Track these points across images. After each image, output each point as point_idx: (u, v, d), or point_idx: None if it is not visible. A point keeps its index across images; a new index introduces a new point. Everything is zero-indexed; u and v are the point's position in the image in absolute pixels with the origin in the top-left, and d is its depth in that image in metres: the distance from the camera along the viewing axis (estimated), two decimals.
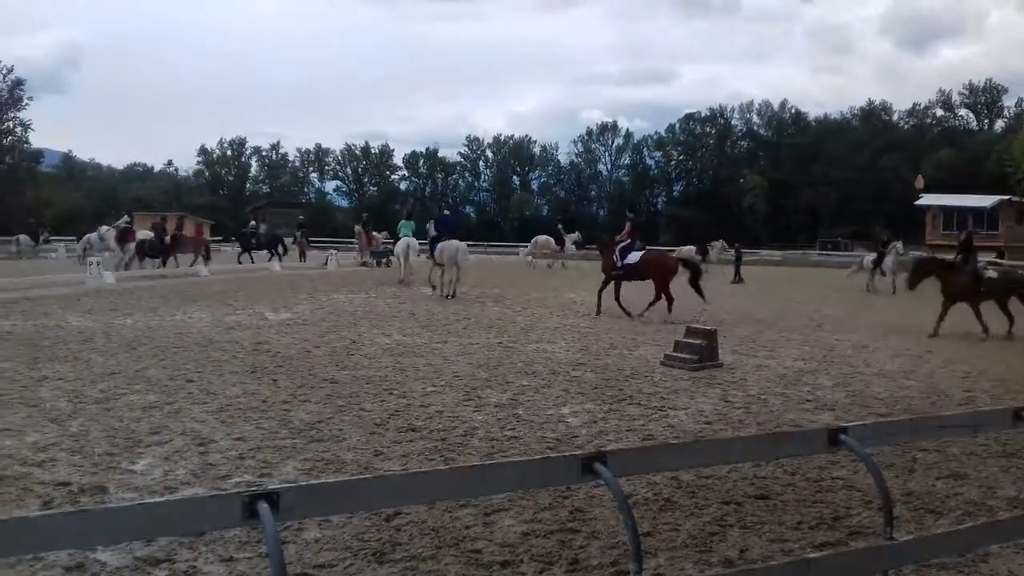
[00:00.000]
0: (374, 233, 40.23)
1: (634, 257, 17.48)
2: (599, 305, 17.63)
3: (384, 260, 35.25)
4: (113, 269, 26.01)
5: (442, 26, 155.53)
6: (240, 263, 33.75)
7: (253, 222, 39.34)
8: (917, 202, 61.76)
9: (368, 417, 7.98)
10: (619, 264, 17.65)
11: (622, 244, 18.08)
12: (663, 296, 17.14)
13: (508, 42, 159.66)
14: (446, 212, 28.19)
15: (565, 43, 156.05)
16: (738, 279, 31.46)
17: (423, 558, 4.71)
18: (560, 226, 39.67)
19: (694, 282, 17.04)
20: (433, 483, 3.29)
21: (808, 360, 12.13)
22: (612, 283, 17.93)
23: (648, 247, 18.96)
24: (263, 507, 2.73)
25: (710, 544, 5.00)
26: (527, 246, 43.06)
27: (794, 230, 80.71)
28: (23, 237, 43.59)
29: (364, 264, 36.27)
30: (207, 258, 30.22)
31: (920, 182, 63.76)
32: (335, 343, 12.66)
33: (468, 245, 22.66)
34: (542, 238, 40.25)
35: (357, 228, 40.99)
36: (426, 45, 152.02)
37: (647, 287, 17.27)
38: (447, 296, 20.71)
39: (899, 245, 30.47)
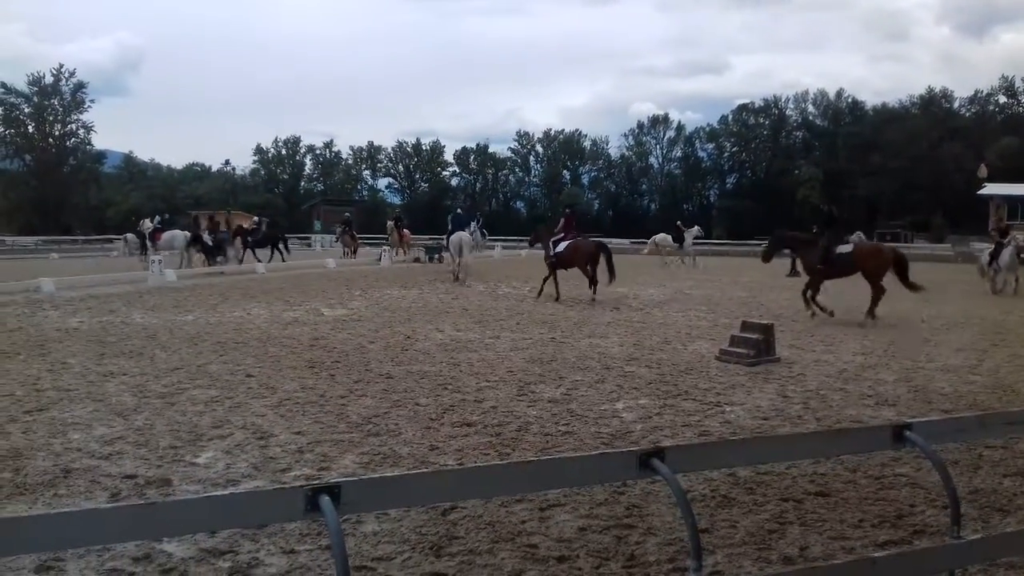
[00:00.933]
0: (406, 230, 41.30)
1: (561, 246, 19.18)
2: (540, 291, 19.62)
3: (436, 256, 35.45)
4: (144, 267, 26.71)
5: (491, 22, 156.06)
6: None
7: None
8: (980, 192, 60.00)
9: (423, 412, 8.04)
10: (551, 253, 19.54)
11: (556, 236, 20.08)
12: (591, 280, 19.10)
13: (557, 36, 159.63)
14: (459, 210, 30.44)
15: (615, 36, 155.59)
16: (794, 272, 30.89)
17: (480, 552, 4.74)
18: (680, 222, 37.66)
19: (608, 265, 18.35)
20: (491, 478, 3.31)
21: (868, 355, 11.88)
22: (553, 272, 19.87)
23: (580, 237, 20.50)
24: (325, 500, 2.78)
25: (769, 542, 4.94)
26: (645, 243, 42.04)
27: (851, 222, 79.01)
28: (130, 236, 44.66)
29: (413, 261, 36.47)
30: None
31: (983, 171, 61.88)
32: (390, 338, 12.78)
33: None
34: (660, 236, 38.67)
35: (389, 224, 41.71)
36: (476, 41, 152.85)
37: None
38: (456, 280, 23.99)
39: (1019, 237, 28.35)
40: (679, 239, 37.05)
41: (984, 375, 10.51)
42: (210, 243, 30.76)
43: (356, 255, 38.61)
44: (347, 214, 45.25)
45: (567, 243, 19.48)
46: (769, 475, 6.09)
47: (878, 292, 15.92)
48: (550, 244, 19.83)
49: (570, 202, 43.00)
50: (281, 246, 34.59)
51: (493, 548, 4.79)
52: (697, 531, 3.21)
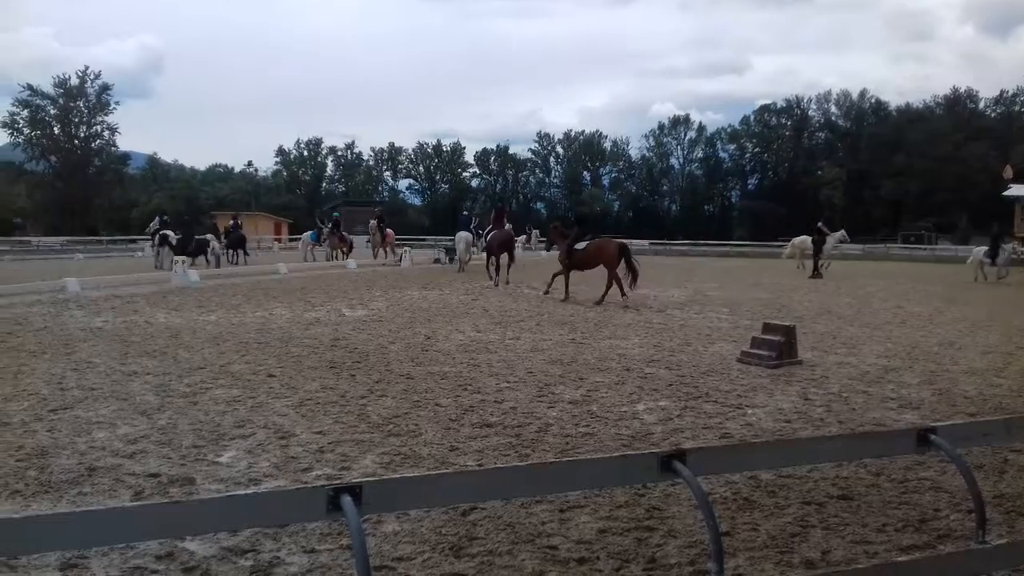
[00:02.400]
0: (389, 230, 39.68)
1: (580, 246, 20.14)
2: (547, 288, 20.87)
3: (454, 258, 35.54)
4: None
5: (511, 23, 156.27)
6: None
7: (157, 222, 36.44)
8: (1005, 193, 59.26)
9: (443, 412, 8.06)
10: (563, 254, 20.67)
11: (488, 228, 24.94)
12: (498, 265, 23.51)
13: (577, 37, 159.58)
14: (464, 212, 38.38)
15: (635, 37, 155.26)
16: (816, 273, 30.72)
17: (499, 553, 4.74)
18: (821, 223, 35.48)
19: (628, 265, 18.84)
20: (512, 479, 3.31)
21: (891, 357, 11.77)
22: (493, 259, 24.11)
23: (503, 229, 24.70)
24: (347, 500, 2.79)
25: (791, 545, 4.90)
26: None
27: (874, 223, 78.38)
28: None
29: (433, 262, 36.46)
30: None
31: (1009, 172, 61.04)
32: (410, 339, 12.82)
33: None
34: (800, 239, 36.55)
35: (372, 223, 39.85)
36: (496, 43, 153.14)
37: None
38: (459, 271, 28.69)
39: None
40: (820, 242, 34.52)
41: (1010, 378, 10.38)
42: (177, 242, 31.71)
43: (348, 256, 37.12)
44: (335, 214, 43.29)
45: (586, 243, 19.75)
46: (791, 478, 6.05)
47: (610, 280, 18.66)
48: (565, 245, 20.18)
49: (501, 198, 43.89)
50: (240, 250, 35.86)
51: (513, 549, 4.79)
52: (718, 534, 3.19)
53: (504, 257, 24.62)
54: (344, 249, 38.31)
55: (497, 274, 23.63)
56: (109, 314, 15.59)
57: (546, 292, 20.47)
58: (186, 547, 4.65)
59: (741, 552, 4.78)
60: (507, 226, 26.13)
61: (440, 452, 6.73)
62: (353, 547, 2.75)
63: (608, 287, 18.76)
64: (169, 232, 33.23)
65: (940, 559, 4.03)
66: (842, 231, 38.06)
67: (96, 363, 10.42)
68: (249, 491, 5.21)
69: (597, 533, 5.04)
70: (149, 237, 36.89)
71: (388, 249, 38.82)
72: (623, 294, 18.31)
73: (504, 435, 7.28)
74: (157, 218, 37.71)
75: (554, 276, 20.53)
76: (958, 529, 5.10)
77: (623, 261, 18.55)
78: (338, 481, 3.47)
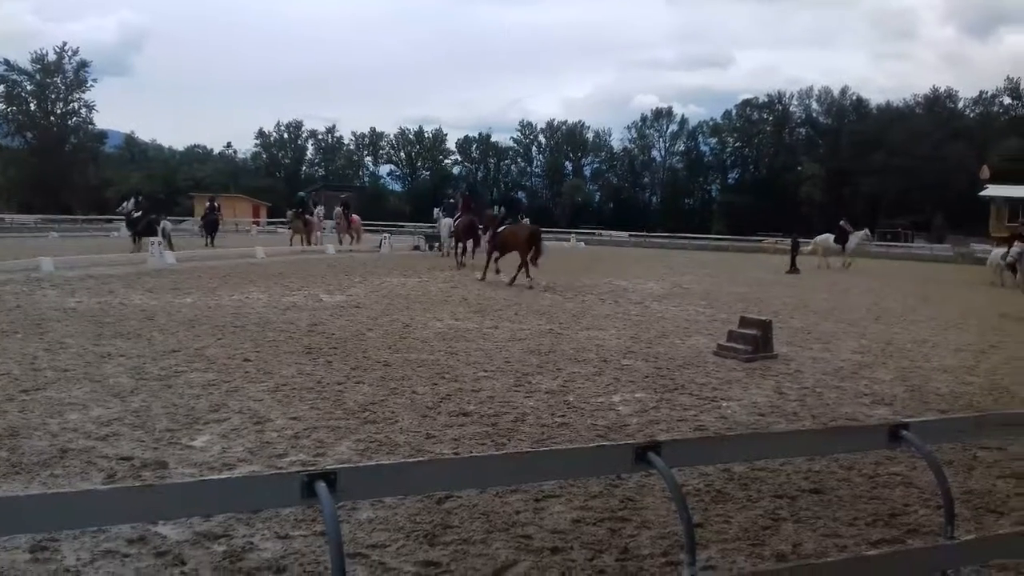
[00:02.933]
0: (355, 216, 38.30)
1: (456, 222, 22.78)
2: (483, 274, 21.44)
3: (437, 244, 35.44)
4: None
5: (496, 10, 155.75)
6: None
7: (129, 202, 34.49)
8: (981, 193, 59.99)
9: (420, 400, 8.05)
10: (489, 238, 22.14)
11: (456, 215, 26.51)
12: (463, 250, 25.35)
13: (562, 27, 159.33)
14: (450, 200, 36.04)
15: (619, 27, 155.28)
16: (794, 269, 30.95)
17: (474, 542, 4.74)
18: (843, 221, 35.55)
19: (536, 247, 20.08)
20: (487, 468, 3.32)
21: (865, 353, 11.90)
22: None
23: (468, 216, 25.76)
24: (321, 487, 2.78)
25: (762, 537, 4.95)
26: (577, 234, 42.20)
27: (853, 220, 78.87)
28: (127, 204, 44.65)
29: (414, 248, 36.17)
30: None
31: (985, 172, 61.87)
32: (388, 326, 12.79)
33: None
34: (823, 236, 36.27)
35: (337, 210, 38.63)
36: (480, 30, 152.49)
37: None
38: (444, 256, 29.94)
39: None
40: (842, 240, 34.79)
41: (981, 376, 10.52)
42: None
43: (311, 243, 34.95)
44: (301, 194, 40.86)
45: (504, 227, 21.16)
46: (764, 471, 6.10)
47: (521, 264, 20.04)
48: (492, 230, 22.00)
49: (469, 185, 43.78)
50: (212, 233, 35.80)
51: (487, 538, 4.80)
52: (691, 525, 3.22)
53: (470, 243, 26.29)
54: (309, 235, 35.88)
55: (462, 258, 25.68)
56: (83, 294, 15.42)
57: (482, 278, 21.25)
58: (159, 531, 4.62)
59: (713, 544, 4.82)
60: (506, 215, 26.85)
61: (416, 440, 6.73)
62: (327, 534, 2.75)
63: (519, 269, 20.19)
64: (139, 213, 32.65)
65: (909, 554, 4.09)
66: (865, 230, 37.61)
67: (69, 344, 10.31)
68: (223, 476, 5.18)
69: (571, 523, 5.06)
70: (123, 218, 36.21)
71: (354, 235, 37.92)
72: (527, 276, 19.94)
73: (480, 424, 7.29)
74: (132, 199, 37.17)
75: (487, 262, 21.81)
76: (927, 524, 5.16)
77: (532, 245, 19.94)
78: (313, 467, 3.46)
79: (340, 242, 36.45)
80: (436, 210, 39.00)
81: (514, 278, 20.11)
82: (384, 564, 4.44)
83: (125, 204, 33.97)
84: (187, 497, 2.83)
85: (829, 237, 35.41)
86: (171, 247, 29.62)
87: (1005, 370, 11.02)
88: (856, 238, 35.41)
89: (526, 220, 29.75)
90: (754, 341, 11.02)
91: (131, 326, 11.84)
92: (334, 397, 8.04)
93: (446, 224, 31.25)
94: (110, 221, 51.94)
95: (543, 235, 21.21)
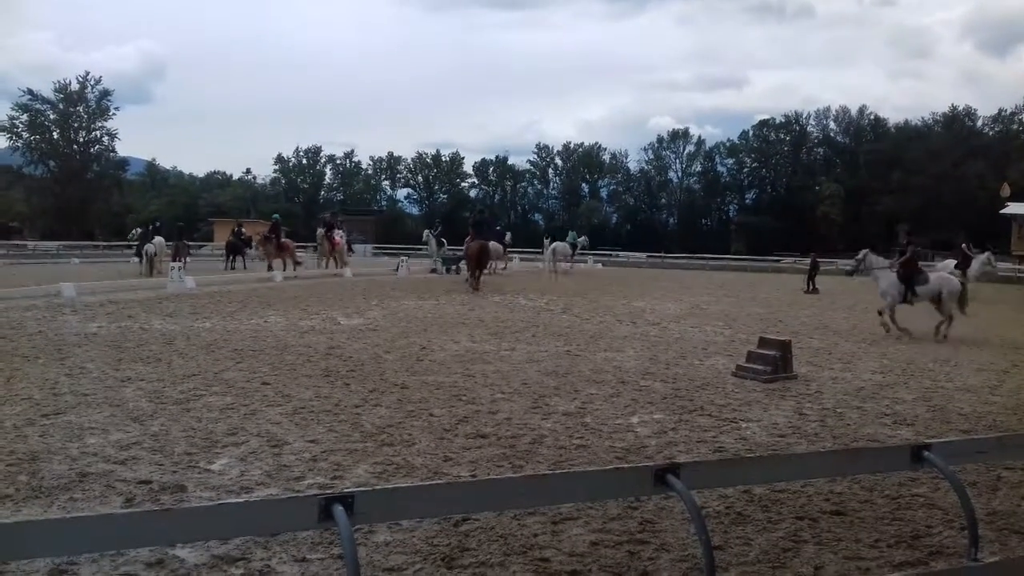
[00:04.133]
0: (338, 236, 35.21)
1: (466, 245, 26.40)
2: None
3: (454, 267, 35.52)
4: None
5: (512, 35, 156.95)
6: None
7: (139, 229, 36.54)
8: (1002, 211, 59.50)
9: (437, 422, 8.04)
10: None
11: (467, 237, 28.10)
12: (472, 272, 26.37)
13: (577, 50, 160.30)
14: (438, 224, 40.72)
15: (635, 50, 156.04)
16: (812, 289, 30.75)
17: (491, 564, 4.72)
18: (965, 245, 32.41)
19: (482, 260, 26.26)
20: (505, 490, 3.31)
21: (887, 373, 11.78)
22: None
23: (477, 239, 27.17)
24: (338, 510, 2.79)
25: (783, 560, 4.89)
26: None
27: (871, 239, 78.40)
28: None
29: (431, 271, 36.11)
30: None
31: (1006, 190, 61.36)
32: (405, 349, 12.80)
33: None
34: (944, 263, 31.61)
35: (319, 232, 35.57)
36: (496, 54, 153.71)
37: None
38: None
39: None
40: (964, 265, 30.17)
41: (1004, 395, 10.39)
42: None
43: (295, 268, 32.19)
44: (275, 216, 36.63)
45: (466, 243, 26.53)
46: (784, 492, 6.04)
47: (470, 272, 25.65)
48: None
49: (477, 212, 44.30)
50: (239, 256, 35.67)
51: (505, 561, 4.77)
52: (711, 548, 3.19)
53: (470, 264, 28.37)
54: (287, 259, 32.52)
55: (471, 279, 26.71)
56: (104, 319, 15.56)
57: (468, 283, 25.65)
58: (177, 555, 4.63)
59: (733, 566, 4.76)
60: (507, 235, 32.12)
61: (433, 462, 6.72)
62: (344, 557, 2.75)
63: (471, 277, 25.76)
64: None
65: (933, 575, 4.02)
66: (988, 252, 32.64)
67: (90, 368, 10.39)
68: (240, 499, 5.19)
69: (590, 546, 5.03)
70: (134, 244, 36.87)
71: (337, 259, 34.56)
72: (475, 288, 24.70)
73: (498, 446, 7.26)
74: (146, 226, 38.02)
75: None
76: (951, 546, 5.09)
77: (479, 258, 25.54)
78: (330, 490, 3.46)
79: (322, 266, 33.92)
80: (426, 232, 40.60)
81: (469, 283, 25.59)
82: None
83: (135, 231, 34.83)
84: (205, 521, 2.84)
85: (949, 263, 30.50)
86: (152, 269, 29.87)
87: None
88: (978, 262, 30.58)
89: (508, 236, 40.93)
90: (773, 361, 10.93)
91: (151, 350, 11.92)
92: (352, 420, 8.04)
93: (432, 244, 35.83)
94: (131, 247, 52.58)
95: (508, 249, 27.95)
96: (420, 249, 53.26)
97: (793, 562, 4.86)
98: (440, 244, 37.96)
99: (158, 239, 33.90)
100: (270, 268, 31.40)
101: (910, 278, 16.52)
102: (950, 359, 13.41)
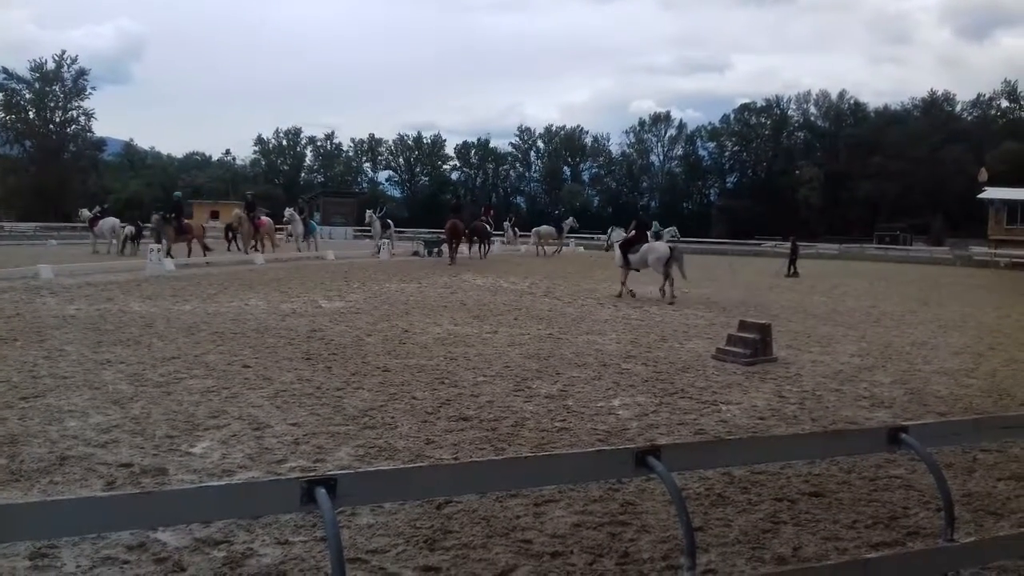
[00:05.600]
0: (264, 218, 32.57)
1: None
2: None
3: (436, 250, 35.45)
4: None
5: (495, 17, 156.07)
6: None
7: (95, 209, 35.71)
8: (980, 195, 60.06)
9: (420, 405, 8.05)
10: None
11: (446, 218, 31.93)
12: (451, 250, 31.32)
13: (560, 31, 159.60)
14: (382, 206, 40.37)
15: (617, 32, 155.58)
16: (793, 272, 30.95)
17: (474, 546, 4.74)
18: (793, 237, 33.43)
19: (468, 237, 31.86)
20: (487, 473, 3.32)
21: (865, 356, 11.90)
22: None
23: (455, 220, 31.10)
24: (321, 492, 2.79)
25: (763, 541, 4.95)
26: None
27: (851, 223, 79.03)
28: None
29: (412, 254, 35.96)
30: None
31: (983, 175, 61.96)
32: (387, 331, 12.78)
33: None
34: None
35: (236, 213, 32.64)
36: (479, 36, 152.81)
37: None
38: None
39: None
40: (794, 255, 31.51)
41: (980, 378, 10.53)
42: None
43: (204, 253, 28.62)
44: (177, 194, 33.01)
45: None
46: (764, 474, 6.10)
47: (447, 247, 30.85)
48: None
49: (456, 195, 49.24)
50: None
51: (487, 543, 4.80)
52: (691, 529, 3.22)
53: (449, 242, 31.75)
54: (194, 242, 28.87)
55: (451, 257, 30.74)
56: (82, 302, 15.42)
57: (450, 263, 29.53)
58: (158, 538, 4.62)
59: (714, 547, 4.81)
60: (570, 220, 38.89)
61: (416, 445, 6.73)
62: (327, 539, 2.75)
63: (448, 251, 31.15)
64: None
65: (909, 556, 4.08)
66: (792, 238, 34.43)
67: (68, 351, 10.30)
68: (222, 482, 5.18)
69: (571, 527, 5.06)
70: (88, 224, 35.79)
71: (267, 242, 31.93)
72: (451, 259, 30.41)
73: (480, 429, 7.28)
74: (97, 207, 37.41)
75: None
76: (927, 527, 5.16)
77: (453, 235, 30.07)
78: (313, 473, 3.46)
79: (245, 251, 30.40)
80: (369, 212, 39.74)
81: (451, 259, 30.30)
82: (384, 569, 4.44)
83: (83, 211, 34.00)
84: (187, 503, 2.84)
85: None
86: (124, 249, 29.16)
87: (1004, 372, 11.03)
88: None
89: (572, 220, 45.46)
90: (753, 345, 11.02)
91: (130, 333, 11.83)
92: (334, 403, 8.03)
93: (376, 225, 36.48)
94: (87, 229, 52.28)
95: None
96: (402, 232, 53.06)
97: (772, 543, 4.92)
98: (386, 226, 37.24)
99: (111, 219, 33.89)
100: (254, 249, 30.47)
101: (626, 250, 19.83)
102: (927, 342, 13.56)
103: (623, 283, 19.70)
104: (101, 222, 34.11)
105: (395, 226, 41.50)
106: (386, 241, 35.59)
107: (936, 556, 3.79)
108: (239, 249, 31.57)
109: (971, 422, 4.72)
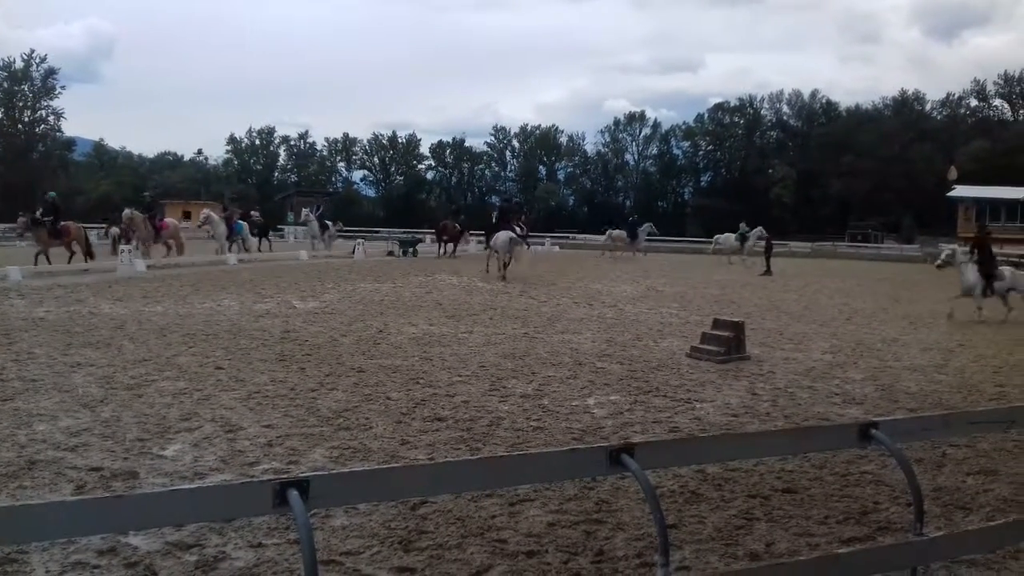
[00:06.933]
0: (167, 220, 29.99)
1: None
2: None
3: (411, 250, 35.35)
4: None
5: (470, 16, 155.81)
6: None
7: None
8: (949, 194, 60.86)
9: (394, 406, 8.02)
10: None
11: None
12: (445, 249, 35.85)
13: (535, 32, 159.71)
14: (319, 206, 39.55)
15: (592, 33, 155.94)
16: (767, 271, 31.17)
17: (449, 547, 4.73)
18: (743, 223, 34.14)
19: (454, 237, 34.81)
20: (462, 473, 3.31)
21: (837, 353, 12.02)
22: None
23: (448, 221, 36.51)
24: (293, 495, 2.76)
25: (736, 537, 4.98)
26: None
27: (823, 221, 79.73)
28: (305, 211, 45.45)
29: (387, 254, 35.81)
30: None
31: (953, 173, 62.73)
32: (362, 332, 12.73)
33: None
34: None
35: (127, 213, 28.55)
36: (454, 35, 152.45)
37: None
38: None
39: None
40: (741, 241, 32.36)
41: (950, 375, 10.67)
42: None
43: (88, 259, 25.17)
44: (51, 194, 27.98)
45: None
46: (737, 471, 6.15)
47: (438, 245, 34.69)
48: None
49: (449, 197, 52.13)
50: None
51: (462, 543, 4.79)
52: (665, 527, 3.23)
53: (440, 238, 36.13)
54: (74, 247, 25.47)
55: (442, 253, 34.35)
56: (52, 304, 15.22)
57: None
58: (129, 542, 4.57)
59: (688, 544, 4.84)
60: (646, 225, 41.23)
61: (391, 446, 6.71)
62: (300, 541, 2.73)
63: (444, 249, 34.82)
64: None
65: (880, 551, 4.12)
66: (759, 228, 35.36)
67: (37, 354, 10.16)
68: (193, 485, 5.14)
69: (546, 526, 5.07)
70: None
71: (171, 245, 28.68)
72: (441, 254, 34.75)
73: (455, 429, 7.27)
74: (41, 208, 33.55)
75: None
76: (898, 521, 5.23)
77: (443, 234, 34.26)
78: (285, 475, 3.43)
79: (145, 254, 26.78)
80: (305, 211, 38.98)
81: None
82: (358, 571, 4.42)
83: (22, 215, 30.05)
84: (157, 507, 2.80)
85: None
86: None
87: (973, 368, 11.18)
88: (753, 237, 33.46)
89: (648, 226, 42.90)
90: (727, 343, 11.09)
91: (101, 335, 11.69)
92: (307, 404, 7.99)
93: (313, 225, 36.22)
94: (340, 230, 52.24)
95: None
96: (377, 232, 52.87)
97: (745, 539, 4.96)
98: (324, 227, 36.56)
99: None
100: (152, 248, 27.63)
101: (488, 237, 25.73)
102: (898, 339, 13.72)
103: (500, 266, 24.39)
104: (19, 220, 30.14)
105: (340, 225, 41.03)
106: (322, 240, 35.06)
107: (906, 550, 3.83)
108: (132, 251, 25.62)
109: (940, 418, 4.77)
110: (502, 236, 24.39)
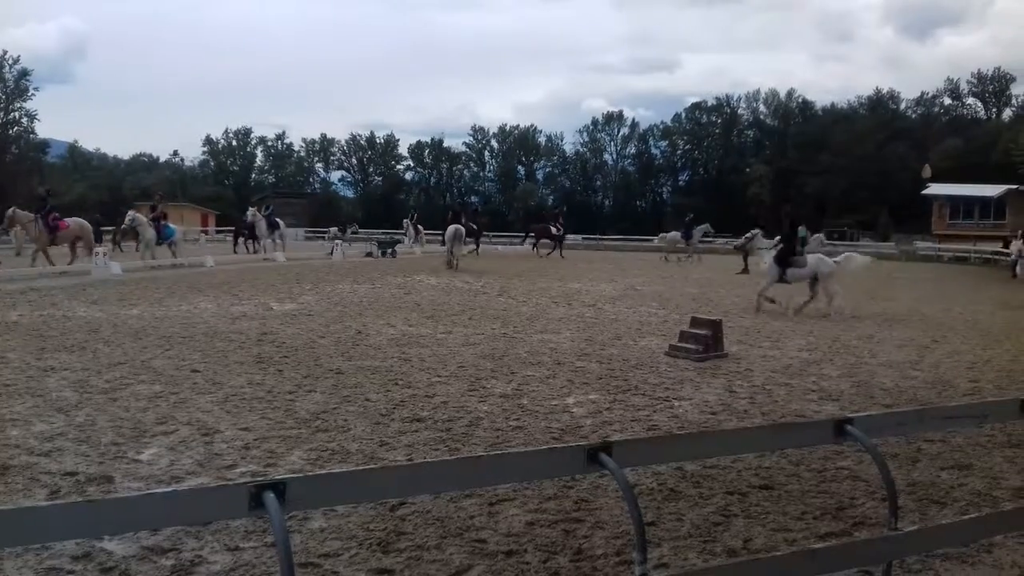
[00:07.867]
0: (68, 220, 26.09)
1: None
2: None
3: (390, 251, 35.26)
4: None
5: (448, 16, 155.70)
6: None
7: None
8: (924, 191, 61.54)
9: (373, 407, 8.00)
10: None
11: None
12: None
13: (513, 32, 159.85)
14: (269, 205, 38.53)
15: (570, 33, 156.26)
16: (745, 270, 31.30)
17: (428, 548, 4.73)
18: (690, 217, 34.71)
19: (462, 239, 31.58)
20: (440, 473, 3.30)
21: (813, 350, 12.11)
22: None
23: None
24: (269, 497, 2.74)
25: (714, 534, 5.01)
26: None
27: (799, 220, 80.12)
28: (333, 230, 49.81)
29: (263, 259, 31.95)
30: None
31: (927, 171, 63.45)
32: (340, 333, 12.68)
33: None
34: None
35: (10, 213, 26.26)
36: (432, 35, 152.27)
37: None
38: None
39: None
40: (687, 236, 33.01)
41: (924, 370, 10.78)
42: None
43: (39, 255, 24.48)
44: (40, 188, 28.55)
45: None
46: (715, 468, 6.18)
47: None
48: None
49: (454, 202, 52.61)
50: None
51: (441, 543, 4.79)
52: (643, 525, 3.24)
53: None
54: (80, 246, 25.37)
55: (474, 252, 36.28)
56: (25, 307, 15.03)
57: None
58: (104, 547, 4.52)
59: (666, 542, 4.86)
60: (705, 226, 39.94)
61: (370, 448, 6.69)
62: (276, 545, 2.71)
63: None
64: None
65: (855, 546, 4.16)
66: (706, 224, 36.55)
67: (10, 358, 10.03)
68: (168, 488, 5.09)
69: (525, 526, 5.07)
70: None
71: (77, 247, 26.00)
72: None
73: (434, 430, 7.26)
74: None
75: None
76: (873, 516, 5.28)
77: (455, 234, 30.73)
78: (261, 478, 3.41)
79: (32, 262, 24.50)
80: (251, 210, 36.97)
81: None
82: (337, 573, 4.40)
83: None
84: (133, 511, 2.77)
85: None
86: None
87: (947, 364, 11.31)
88: (699, 232, 35.49)
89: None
90: (705, 341, 11.15)
91: (75, 339, 11.57)
92: (285, 406, 7.95)
93: (262, 223, 34.75)
94: (356, 234, 53.05)
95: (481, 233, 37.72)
96: (355, 232, 52.63)
97: (723, 536, 4.99)
98: (273, 226, 34.87)
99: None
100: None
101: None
102: (873, 336, 13.84)
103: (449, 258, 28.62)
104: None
105: (356, 227, 40.85)
106: (270, 241, 34.14)
107: (881, 545, 3.87)
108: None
109: (915, 413, 4.82)
110: (449, 230, 29.77)
